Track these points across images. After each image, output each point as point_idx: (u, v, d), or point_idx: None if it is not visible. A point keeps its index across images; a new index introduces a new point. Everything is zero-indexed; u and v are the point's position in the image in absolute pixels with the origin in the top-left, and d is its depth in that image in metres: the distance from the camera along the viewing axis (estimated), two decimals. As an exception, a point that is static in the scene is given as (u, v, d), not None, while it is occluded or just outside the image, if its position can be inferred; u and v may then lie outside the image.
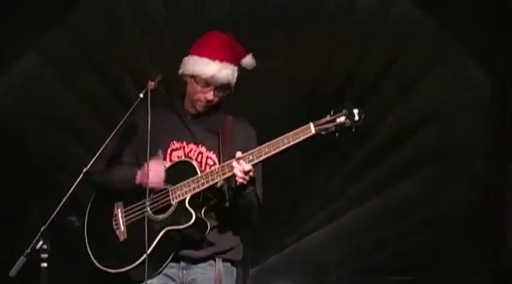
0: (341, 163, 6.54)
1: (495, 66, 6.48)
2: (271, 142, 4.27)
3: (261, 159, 4.27)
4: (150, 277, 4.36)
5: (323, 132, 4.27)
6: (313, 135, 4.26)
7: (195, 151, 4.48)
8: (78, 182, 4.25)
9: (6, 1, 6.24)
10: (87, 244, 4.47)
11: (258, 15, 6.42)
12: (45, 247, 4.09)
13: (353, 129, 4.27)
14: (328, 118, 4.28)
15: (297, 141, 4.26)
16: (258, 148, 4.29)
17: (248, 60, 4.54)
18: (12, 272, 4.06)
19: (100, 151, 4.31)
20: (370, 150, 6.52)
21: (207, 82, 4.42)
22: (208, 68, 4.40)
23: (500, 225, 6.45)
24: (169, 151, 4.47)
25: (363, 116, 4.26)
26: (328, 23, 6.44)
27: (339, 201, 6.55)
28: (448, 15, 6.41)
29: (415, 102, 6.51)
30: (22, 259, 4.06)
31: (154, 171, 4.36)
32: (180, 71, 4.50)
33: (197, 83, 4.43)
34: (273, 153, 4.26)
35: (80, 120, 6.39)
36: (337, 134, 4.28)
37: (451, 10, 6.39)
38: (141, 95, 4.38)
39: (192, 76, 4.44)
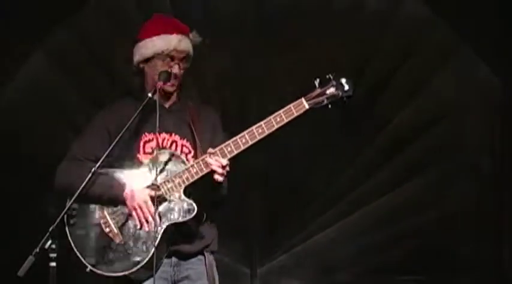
0: (349, 162, 6.53)
1: (505, 66, 6.46)
2: (265, 120, 4.28)
3: (265, 134, 4.27)
4: (148, 277, 4.32)
5: (317, 106, 4.27)
6: (307, 109, 4.25)
7: (168, 140, 4.46)
8: (87, 181, 4.26)
9: (14, 1, 6.24)
10: (78, 254, 4.35)
11: (266, 15, 6.41)
12: (53, 246, 4.10)
13: (344, 99, 4.28)
14: (318, 91, 4.28)
15: (291, 117, 4.27)
16: (255, 126, 4.28)
17: (195, 36, 4.55)
18: (21, 272, 4.07)
19: (108, 151, 4.31)
20: (378, 149, 6.51)
21: (170, 57, 4.43)
22: (169, 42, 4.43)
23: (509, 225, 6.43)
24: (142, 143, 4.44)
25: (351, 85, 4.27)
26: (336, 23, 6.43)
27: (347, 200, 6.54)
28: (457, 14, 6.39)
29: (424, 102, 6.50)
30: (31, 259, 4.08)
31: (144, 209, 4.30)
32: (137, 59, 4.50)
33: (162, 60, 4.43)
34: (267, 132, 4.27)
35: (88, 119, 6.38)
36: (329, 106, 4.28)
37: (460, 9, 6.37)
38: (150, 95, 4.39)
39: (153, 57, 4.44)
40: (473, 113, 6.51)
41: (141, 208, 4.30)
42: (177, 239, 4.38)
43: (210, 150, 4.29)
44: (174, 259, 4.42)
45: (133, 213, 4.32)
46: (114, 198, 4.35)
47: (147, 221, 4.29)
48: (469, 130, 6.51)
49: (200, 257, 4.46)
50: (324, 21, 6.44)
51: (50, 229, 4.13)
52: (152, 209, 4.27)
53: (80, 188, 4.24)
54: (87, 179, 4.25)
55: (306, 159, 6.43)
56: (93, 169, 4.26)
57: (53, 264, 4.11)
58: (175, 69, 4.44)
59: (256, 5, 6.41)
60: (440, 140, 6.51)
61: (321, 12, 6.44)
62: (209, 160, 4.27)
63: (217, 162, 4.27)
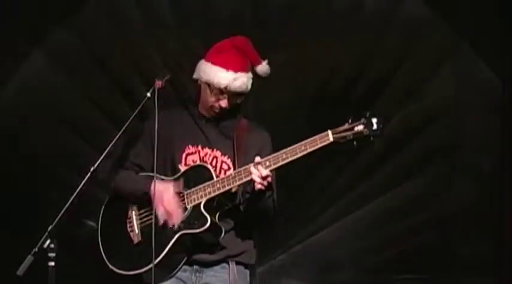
0: (348, 161, 6.53)
1: (505, 66, 6.46)
2: (288, 149, 4.29)
3: (278, 165, 4.29)
4: (163, 280, 4.38)
5: (341, 140, 4.28)
6: (331, 142, 4.27)
7: (210, 155, 4.48)
8: (86, 181, 4.26)
9: (14, 1, 6.25)
10: (100, 245, 4.48)
11: (265, 15, 6.41)
12: (52, 246, 4.11)
13: (371, 138, 4.28)
14: (346, 126, 4.29)
15: (314, 148, 4.27)
16: (274, 154, 4.30)
17: (263, 68, 4.54)
18: (20, 271, 4.08)
19: (107, 150, 4.32)
20: (378, 148, 6.51)
21: (221, 91, 4.41)
22: (222, 78, 4.39)
23: (509, 225, 6.43)
24: (184, 155, 4.47)
25: (381, 125, 4.28)
26: (336, 23, 6.43)
27: (346, 199, 6.54)
28: (457, 14, 6.39)
29: (424, 101, 6.50)
30: (29, 258, 4.08)
31: (166, 203, 4.38)
32: (195, 75, 4.50)
33: (211, 91, 4.42)
34: (290, 159, 4.28)
35: (88, 119, 6.40)
36: (355, 142, 4.29)
37: (460, 9, 6.37)
38: (148, 94, 4.39)
39: (207, 84, 4.44)
40: (473, 113, 6.50)
41: (164, 205, 4.34)
42: (195, 248, 4.41)
43: (257, 159, 4.29)
44: (195, 266, 4.45)
45: (157, 210, 4.35)
46: (144, 194, 4.39)
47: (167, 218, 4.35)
48: (469, 130, 6.51)
49: (224, 265, 4.47)
50: (324, 21, 6.44)
51: (49, 228, 4.14)
52: (173, 207, 4.34)
53: (80, 187, 4.25)
54: (85, 179, 4.26)
55: (306, 158, 6.43)
56: (92, 169, 4.27)
57: (52, 264, 4.12)
58: (223, 104, 4.43)
59: (256, 4, 6.41)
60: (440, 140, 6.51)
61: (321, 12, 6.44)
62: (251, 169, 4.28)
63: (258, 171, 4.26)
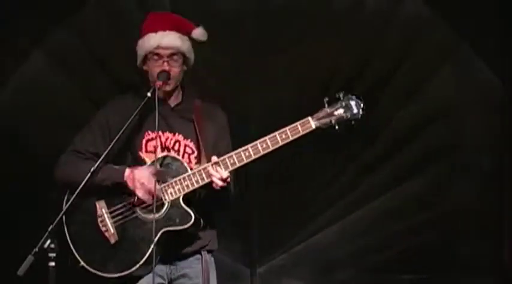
0: (349, 161, 6.53)
1: (505, 66, 6.46)
2: (269, 136, 4.27)
3: (258, 155, 4.26)
4: (143, 276, 4.34)
5: (323, 126, 4.26)
6: (313, 129, 4.25)
7: (172, 139, 4.46)
8: (86, 181, 4.26)
9: (14, 1, 6.25)
10: (72, 248, 4.37)
11: (265, 15, 6.41)
12: (52, 246, 4.11)
13: (352, 122, 4.27)
14: (327, 111, 4.27)
15: (296, 136, 4.26)
16: (254, 143, 4.27)
17: (198, 32, 4.54)
18: (20, 271, 4.08)
19: (107, 151, 4.31)
20: (379, 148, 6.51)
21: (157, 55, 4.42)
22: (152, 40, 4.43)
23: (509, 225, 6.44)
24: (144, 142, 4.44)
25: (361, 107, 4.26)
26: (336, 23, 6.43)
27: (347, 199, 6.54)
28: (457, 14, 6.39)
29: (424, 101, 6.50)
30: (30, 258, 4.08)
31: (146, 184, 4.32)
32: (138, 62, 4.53)
33: (149, 60, 4.44)
34: (272, 148, 4.26)
35: (87, 119, 6.39)
36: (336, 127, 4.27)
37: (460, 9, 6.37)
38: (149, 94, 4.39)
39: (145, 58, 4.46)
40: (473, 113, 6.51)
41: (143, 184, 4.30)
42: (172, 242, 4.38)
43: (214, 158, 4.29)
44: (169, 259, 4.43)
45: (137, 192, 4.31)
46: (116, 182, 4.35)
47: (152, 196, 4.28)
48: (469, 130, 6.51)
49: (198, 256, 4.47)
50: (324, 21, 6.44)
51: (49, 228, 4.14)
52: (153, 184, 4.27)
53: (80, 186, 4.25)
54: (85, 179, 4.25)
55: (306, 158, 6.44)
56: (92, 169, 4.26)
57: (52, 264, 4.12)
58: (165, 67, 4.42)
59: (256, 4, 6.42)
60: (440, 140, 6.51)
61: (321, 12, 6.44)
62: (211, 171, 4.28)
63: (218, 173, 4.27)
